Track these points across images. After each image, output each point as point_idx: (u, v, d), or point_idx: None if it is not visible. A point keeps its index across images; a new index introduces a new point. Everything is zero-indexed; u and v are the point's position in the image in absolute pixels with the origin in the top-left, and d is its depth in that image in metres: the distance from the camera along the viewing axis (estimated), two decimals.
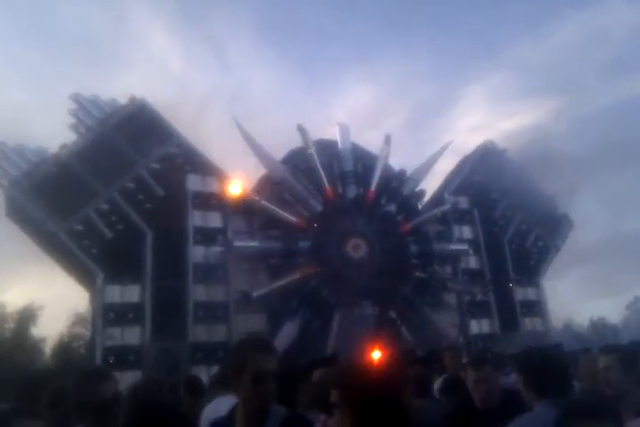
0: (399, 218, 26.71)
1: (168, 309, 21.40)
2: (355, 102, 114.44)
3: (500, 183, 29.39)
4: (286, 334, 22.07)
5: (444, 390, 4.68)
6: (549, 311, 30.50)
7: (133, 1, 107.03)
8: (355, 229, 25.19)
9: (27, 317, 36.74)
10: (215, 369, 18.47)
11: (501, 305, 28.20)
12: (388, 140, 27.87)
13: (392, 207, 26.64)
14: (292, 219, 24.28)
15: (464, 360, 4.35)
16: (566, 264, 37.16)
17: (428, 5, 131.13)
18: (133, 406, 2.71)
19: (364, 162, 27.20)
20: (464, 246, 28.24)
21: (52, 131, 28.59)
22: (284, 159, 26.50)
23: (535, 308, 29.73)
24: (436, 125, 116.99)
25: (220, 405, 3.93)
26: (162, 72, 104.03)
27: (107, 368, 3.53)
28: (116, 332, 20.96)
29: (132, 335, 21.08)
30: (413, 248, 26.54)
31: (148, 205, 22.69)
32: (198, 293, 22.48)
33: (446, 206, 28.09)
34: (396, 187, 27.14)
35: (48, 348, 38.73)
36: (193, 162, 24.23)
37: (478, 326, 27.28)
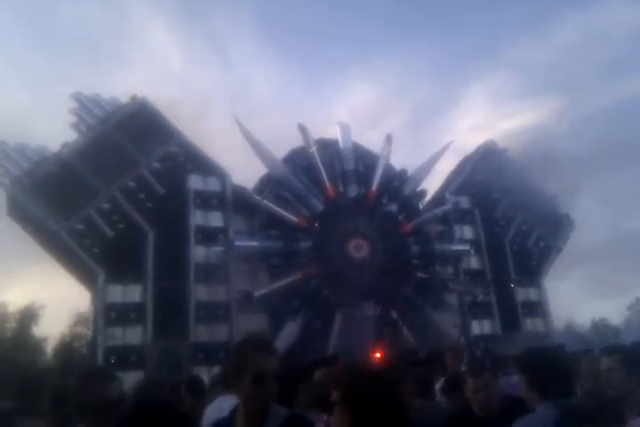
0: (400, 218, 26.72)
1: (169, 308, 21.42)
2: (356, 101, 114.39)
3: (501, 183, 29.37)
4: (287, 334, 22.08)
5: (446, 390, 4.68)
6: (551, 312, 30.52)
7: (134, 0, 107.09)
8: (356, 229, 25.18)
9: (28, 316, 36.76)
10: (217, 369, 18.51)
11: (503, 306, 28.18)
12: (389, 139, 27.89)
13: (393, 207, 26.65)
14: (293, 218, 24.29)
15: (463, 367, 4.34)
16: (568, 265, 37.13)
17: (429, 5, 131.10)
18: (133, 405, 2.70)
19: (365, 161, 27.22)
20: (465, 247, 28.24)
21: (53, 130, 28.69)
22: (285, 158, 26.51)
23: (537, 308, 29.71)
24: (437, 125, 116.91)
25: (222, 405, 3.93)
26: (162, 71, 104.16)
27: (111, 369, 3.53)
28: (117, 332, 20.99)
29: (133, 335, 21.10)
30: (415, 248, 26.54)
31: (150, 205, 22.71)
32: (200, 292, 22.49)
33: (447, 206, 28.09)
34: (398, 186, 27.15)
35: (50, 347, 38.79)
36: (194, 161, 24.25)
37: (480, 327, 27.25)
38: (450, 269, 28.21)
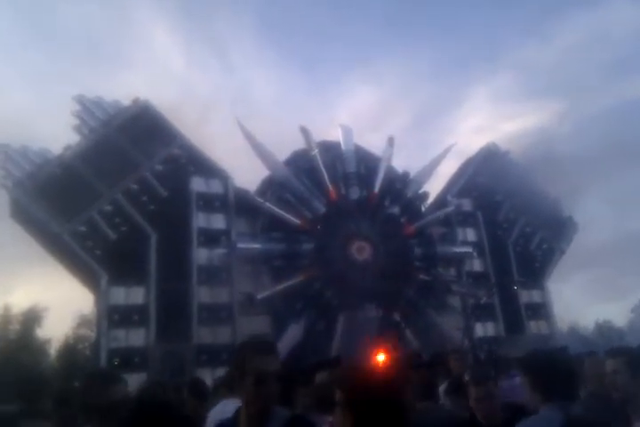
0: (403, 220, 26.70)
1: (172, 311, 21.43)
2: (357, 104, 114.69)
3: (503, 185, 29.35)
4: (290, 335, 22.07)
5: (450, 393, 4.66)
6: (554, 314, 30.44)
7: (136, 2, 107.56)
8: (358, 232, 25.18)
9: (32, 318, 36.81)
10: (220, 371, 18.49)
11: (506, 308, 28.12)
12: (391, 141, 27.90)
13: (395, 209, 26.64)
14: (296, 220, 24.30)
15: (467, 373, 4.32)
16: (571, 267, 37.09)
17: (431, 6, 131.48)
18: (135, 406, 2.71)
19: (367, 164, 27.22)
20: (468, 249, 28.19)
21: (55, 132, 28.76)
22: (287, 161, 26.53)
23: (540, 311, 29.64)
24: (439, 127, 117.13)
25: (226, 408, 3.93)
26: (164, 73, 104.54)
27: (117, 371, 3.55)
28: (120, 334, 20.99)
29: (136, 337, 21.11)
30: (417, 251, 26.52)
31: (152, 207, 22.74)
32: (202, 295, 22.51)
33: (450, 209, 28.08)
34: (400, 189, 27.15)
35: (53, 349, 38.85)
36: (196, 163, 24.29)
37: (483, 329, 27.19)
38: (452, 272, 28.16)
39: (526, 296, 29.24)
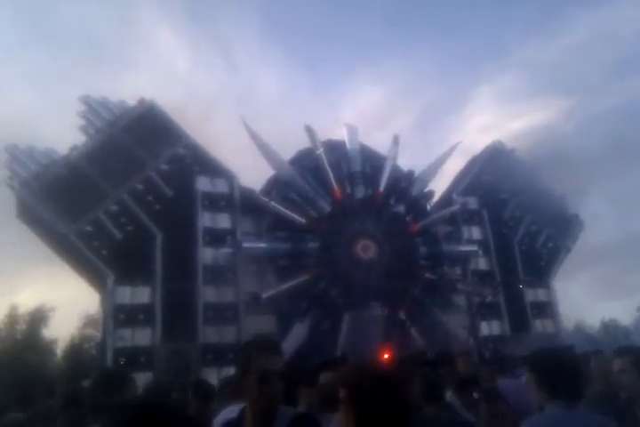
0: (408, 219, 26.66)
1: (178, 310, 21.47)
2: (363, 103, 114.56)
3: (509, 184, 29.25)
4: (296, 335, 22.08)
5: (458, 389, 4.66)
6: (560, 313, 30.30)
7: (140, 2, 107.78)
8: (363, 230, 25.16)
9: (38, 318, 36.99)
10: (226, 370, 18.55)
11: (512, 306, 28.04)
12: (396, 140, 27.85)
13: (401, 208, 26.60)
14: (301, 220, 24.30)
15: (476, 395, 4.41)
16: (577, 265, 36.92)
17: (436, 6, 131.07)
18: (133, 407, 2.71)
19: (372, 162, 27.18)
20: (473, 247, 28.12)
21: (61, 133, 28.86)
22: (292, 160, 26.53)
23: (546, 309, 29.53)
24: (445, 126, 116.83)
25: (234, 410, 3.92)
26: (169, 73, 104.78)
27: (127, 371, 3.55)
28: (126, 333, 21.05)
29: (142, 337, 21.15)
30: (422, 249, 26.47)
31: (158, 207, 22.78)
32: (208, 294, 22.54)
33: (455, 207, 28.00)
34: (405, 187, 27.10)
35: (59, 349, 39.02)
36: (202, 163, 24.33)
37: (488, 328, 27.13)
38: (458, 270, 28.09)
39: (532, 295, 29.14)
